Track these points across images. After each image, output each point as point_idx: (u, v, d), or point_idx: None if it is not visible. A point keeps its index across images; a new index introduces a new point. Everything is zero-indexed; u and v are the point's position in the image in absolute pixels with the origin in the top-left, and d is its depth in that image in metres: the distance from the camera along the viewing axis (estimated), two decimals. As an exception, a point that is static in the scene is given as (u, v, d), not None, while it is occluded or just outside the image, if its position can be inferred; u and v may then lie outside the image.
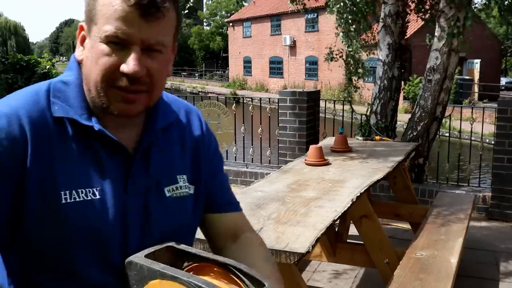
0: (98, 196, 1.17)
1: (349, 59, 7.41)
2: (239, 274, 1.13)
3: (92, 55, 1.16)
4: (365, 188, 3.31)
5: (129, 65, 1.13)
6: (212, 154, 1.44)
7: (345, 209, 2.89)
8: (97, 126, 1.18)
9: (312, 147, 3.99)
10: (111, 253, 1.19)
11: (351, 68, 7.49)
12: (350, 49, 7.29)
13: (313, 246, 2.39)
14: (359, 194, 3.15)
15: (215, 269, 1.17)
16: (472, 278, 4.44)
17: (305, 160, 4.00)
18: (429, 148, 6.68)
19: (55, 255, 1.16)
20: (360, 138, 5.22)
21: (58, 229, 1.14)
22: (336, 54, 7.60)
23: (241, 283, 1.12)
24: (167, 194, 1.28)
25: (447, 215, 4.33)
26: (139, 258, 1.15)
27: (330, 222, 2.64)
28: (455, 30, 5.94)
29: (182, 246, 1.22)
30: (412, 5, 7.42)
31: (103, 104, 1.17)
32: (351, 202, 3.00)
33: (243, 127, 7.83)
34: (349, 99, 7.66)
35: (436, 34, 6.22)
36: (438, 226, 4.07)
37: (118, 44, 1.13)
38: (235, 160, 7.92)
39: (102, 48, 1.13)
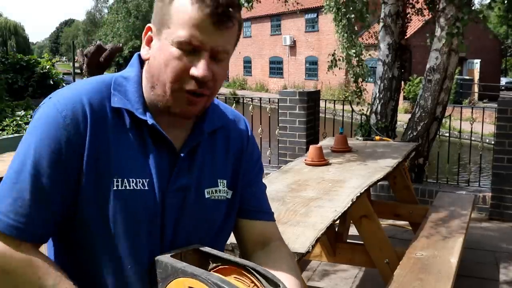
0: (146, 188, 1.24)
1: (351, 61, 7.43)
2: (258, 276, 1.19)
3: (161, 57, 1.22)
4: (365, 188, 3.31)
5: (199, 69, 1.19)
6: (253, 164, 1.49)
7: (345, 209, 2.89)
8: (150, 121, 1.25)
9: (312, 147, 3.99)
10: (148, 243, 1.26)
11: (356, 70, 7.51)
12: (354, 50, 7.30)
13: (313, 246, 2.40)
14: (359, 194, 3.15)
15: (237, 271, 1.22)
16: (472, 278, 4.44)
17: (305, 160, 4.00)
18: (429, 148, 6.68)
19: (101, 238, 1.22)
20: (360, 138, 5.22)
21: (107, 214, 1.21)
22: (338, 60, 7.60)
23: (258, 284, 1.18)
24: (206, 196, 1.34)
25: (447, 215, 4.33)
26: (165, 257, 1.23)
27: (330, 222, 2.64)
28: (454, 30, 5.94)
29: (207, 249, 1.29)
30: (419, 4, 7.41)
31: (167, 103, 1.24)
32: (351, 202, 3.00)
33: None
34: (356, 100, 7.66)
35: (436, 34, 6.22)
36: (438, 226, 4.07)
37: (189, 49, 1.19)
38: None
39: (173, 51, 1.19)
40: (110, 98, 1.26)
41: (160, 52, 1.22)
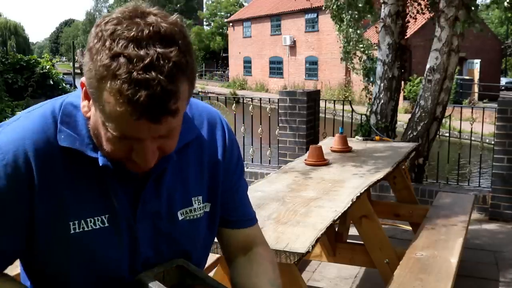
0: (107, 224, 1.17)
1: (356, 57, 7.49)
2: None
3: (99, 130, 1.09)
4: (365, 188, 3.31)
5: (140, 159, 1.08)
6: (232, 171, 1.40)
7: (345, 209, 2.89)
8: (101, 161, 1.13)
9: (312, 147, 4.00)
10: (118, 277, 1.21)
11: (365, 65, 7.56)
12: (362, 45, 7.34)
13: (313, 246, 2.39)
14: (359, 194, 3.15)
15: None
16: (472, 278, 4.44)
17: (305, 160, 4.00)
18: (429, 148, 6.68)
19: (63, 280, 1.19)
20: (360, 138, 5.21)
21: (67, 257, 1.16)
22: (353, 53, 7.65)
23: None
24: (180, 218, 1.27)
25: (447, 215, 4.33)
26: (148, 278, 1.19)
27: (330, 222, 2.64)
28: (458, 29, 5.95)
29: (192, 268, 1.26)
30: (423, 3, 7.43)
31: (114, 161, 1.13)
32: (351, 202, 3.00)
33: (243, 127, 7.83)
34: (368, 96, 7.70)
35: (436, 34, 6.22)
36: (438, 226, 4.06)
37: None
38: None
39: (109, 136, 1.06)
40: (56, 135, 1.14)
41: (97, 126, 1.09)
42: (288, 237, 2.44)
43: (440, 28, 6.14)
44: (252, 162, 7.77)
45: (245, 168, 7.38)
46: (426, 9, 7.48)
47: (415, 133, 6.49)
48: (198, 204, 1.31)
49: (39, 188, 1.12)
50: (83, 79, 1.08)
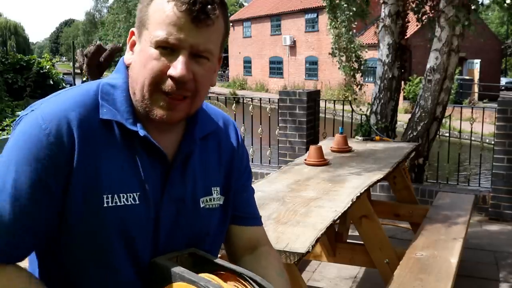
0: (137, 202, 1.20)
1: (350, 54, 7.47)
2: (255, 286, 1.18)
3: (141, 59, 1.19)
4: (365, 188, 3.31)
5: (177, 69, 1.15)
6: (244, 169, 1.47)
7: (345, 209, 2.89)
8: (142, 132, 1.20)
9: (312, 147, 4.00)
10: (141, 254, 1.23)
11: (353, 65, 7.55)
12: (353, 45, 7.33)
13: (313, 246, 2.39)
14: (359, 194, 3.15)
15: (234, 278, 1.21)
16: (472, 278, 4.44)
17: (305, 160, 4.00)
18: (429, 148, 6.68)
19: (92, 251, 1.20)
20: (360, 138, 5.22)
21: (98, 229, 1.18)
22: (338, 49, 7.66)
23: None
24: (201, 205, 1.31)
25: (447, 215, 4.33)
26: (162, 260, 1.22)
27: (330, 222, 2.64)
28: (457, 28, 5.96)
29: (203, 253, 1.28)
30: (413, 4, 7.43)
31: (146, 108, 1.19)
32: (351, 202, 3.00)
33: (243, 127, 7.83)
34: (351, 98, 7.69)
35: (436, 34, 6.22)
36: (438, 226, 4.07)
37: (167, 48, 1.16)
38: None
39: (151, 52, 1.16)
40: (97, 109, 1.20)
41: (140, 55, 1.20)
42: (288, 237, 2.44)
43: (440, 28, 6.14)
44: (252, 161, 7.77)
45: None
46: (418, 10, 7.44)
47: (415, 133, 6.49)
48: (216, 195, 1.35)
49: (78, 158, 1.15)
50: (133, 29, 1.25)
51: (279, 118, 7.03)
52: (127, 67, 1.27)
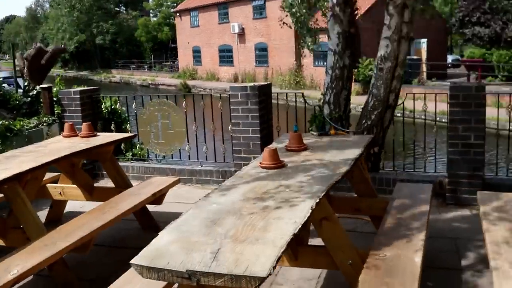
0: None
1: (299, 24, 7.45)
2: None
3: None
4: (324, 193, 3.18)
5: None
6: None
7: (305, 219, 2.76)
8: None
9: (266, 150, 3.84)
10: None
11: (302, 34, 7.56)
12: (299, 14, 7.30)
13: (274, 267, 2.25)
14: (318, 200, 3.03)
15: None
16: (435, 270, 4.39)
17: (260, 163, 3.85)
18: (384, 136, 6.64)
19: None
20: (315, 133, 5.09)
21: None
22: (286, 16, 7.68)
23: None
24: None
25: (407, 208, 4.27)
26: None
27: (290, 237, 2.50)
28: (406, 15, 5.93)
29: None
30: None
31: None
32: (310, 211, 2.87)
33: (194, 125, 7.65)
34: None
35: (385, 22, 6.15)
36: (399, 221, 4.00)
37: None
38: (189, 159, 7.72)
39: None
40: None
41: None
42: (247, 258, 2.30)
43: (389, 16, 6.07)
44: (207, 159, 7.59)
45: (199, 167, 7.19)
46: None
47: (369, 122, 6.43)
48: None
49: None
50: None
51: (231, 114, 6.86)
52: None
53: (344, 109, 6.86)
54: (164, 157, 7.95)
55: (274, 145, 4.51)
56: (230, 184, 3.49)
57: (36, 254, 3.82)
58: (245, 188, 3.36)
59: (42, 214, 6.17)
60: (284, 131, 6.46)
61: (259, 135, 6.73)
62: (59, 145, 5.32)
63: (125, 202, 4.96)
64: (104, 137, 5.69)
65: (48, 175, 5.76)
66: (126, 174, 7.37)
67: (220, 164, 7.46)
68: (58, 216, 6.12)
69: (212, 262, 2.29)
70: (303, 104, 6.97)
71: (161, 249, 2.46)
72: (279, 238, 2.51)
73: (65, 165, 5.35)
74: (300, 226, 2.66)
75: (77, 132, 5.79)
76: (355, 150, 4.32)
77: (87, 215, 4.67)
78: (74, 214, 6.28)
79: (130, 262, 2.35)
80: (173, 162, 7.81)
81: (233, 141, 6.96)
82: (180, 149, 7.62)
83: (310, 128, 6.72)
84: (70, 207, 6.27)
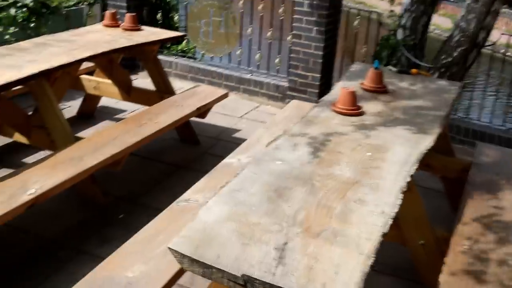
0: None
1: None
2: None
3: None
4: (415, 168, 2.53)
5: None
6: None
7: (395, 210, 2.13)
8: None
9: (343, 92, 3.16)
10: None
11: None
12: None
13: (361, 291, 1.66)
14: (409, 180, 2.39)
15: None
16: None
17: (334, 106, 3.17)
18: (464, 77, 5.82)
19: None
20: (394, 69, 4.34)
21: None
22: None
23: None
24: None
25: (493, 181, 3.56)
26: None
27: (379, 240, 1.89)
28: None
29: None
30: None
31: None
32: (400, 198, 2.23)
33: (250, 28, 6.89)
34: None
35: None
36: (485, 197, 3.30)
37: None
38: (239, 65, 7.00)
39: None
40: None
41: None
42: (323, 269, 1.71)
43: None
44: (258, 69, 6.89)
45: (249, 75, 6.54)
46: None
47: (450, 59, 5.60)
48: None
49: None
50: None
51: (293, 24, 6.10)
52: None
53: (421, 36, 6.03)
54: (212, 58, 7.25)
55: (345, 82, 3.80)
56: (297, 130, 2.84)
57: (60, 170, 3.30)
58: (316, 141, 2.71)
59: (75, 104, 5.68)
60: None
61: (321, 53, 5.99)
62: (98, 36, 4.68)
63: (166, 114, 4.37)
64: (149, 34, 5.01)
65: (83, 65, 5.16)
66: (169, 70, 6.79)
67: (273, 76, 6.74)
68: (91, 110, 5.60)
69: (277, 267, 1.70)
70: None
71: (210, 230, 1.88)
72: (365, 238, 1.89)
73: (102, 60, 4.73)
74: (390, 221, 2.03)
75: (119, 22, 5.14)
76: (444, 102, 3.59)
77: (121, 126, 4.11)
78: (108, 110, 5.78)
79: (168, 246, 1.77)
80: (221, 65, 7.11)
81: (290, 55, 6.23)
82: (230, 53, 6.93)
83: (389, 66, 5.91)
84: (104, 101, 5.74)
